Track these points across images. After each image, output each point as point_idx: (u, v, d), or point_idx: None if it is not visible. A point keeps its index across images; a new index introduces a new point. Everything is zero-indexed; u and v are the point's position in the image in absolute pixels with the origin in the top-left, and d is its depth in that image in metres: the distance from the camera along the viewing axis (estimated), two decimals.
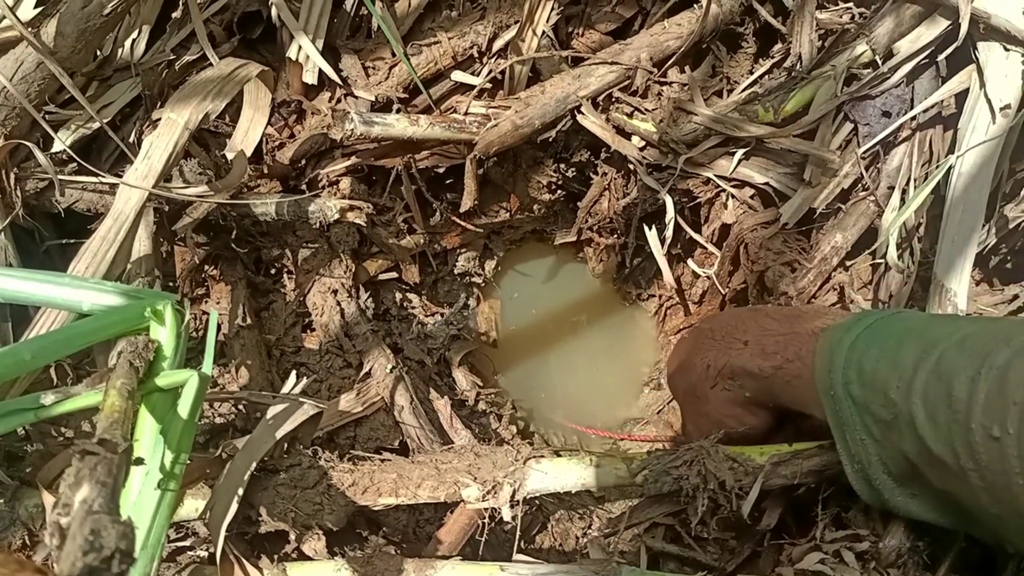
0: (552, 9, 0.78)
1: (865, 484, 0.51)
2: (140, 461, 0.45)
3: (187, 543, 0.61)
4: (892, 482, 0.49)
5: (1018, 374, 0.42)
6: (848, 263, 0.75)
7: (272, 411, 0.58)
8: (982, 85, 0.70)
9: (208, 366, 0.50)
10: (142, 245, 0.65)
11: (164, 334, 0.49)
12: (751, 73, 0.80)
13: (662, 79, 0.79)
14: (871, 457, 0.49)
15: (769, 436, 0.64)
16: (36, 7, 0.67)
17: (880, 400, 0.47)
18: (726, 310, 0.86)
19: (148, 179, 0.63)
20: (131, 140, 0.73)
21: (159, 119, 0.67)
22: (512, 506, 0.57)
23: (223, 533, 0.52)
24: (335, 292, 0.78)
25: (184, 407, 0.46)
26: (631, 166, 0.80)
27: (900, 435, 0.47)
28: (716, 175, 0.79)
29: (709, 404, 0.63)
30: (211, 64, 0.74)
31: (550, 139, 0.80)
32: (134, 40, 0.75)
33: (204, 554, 0.59)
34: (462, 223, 0.88)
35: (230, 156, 0.73)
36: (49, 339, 0.46)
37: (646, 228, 0.86)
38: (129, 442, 0.36)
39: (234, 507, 0.52)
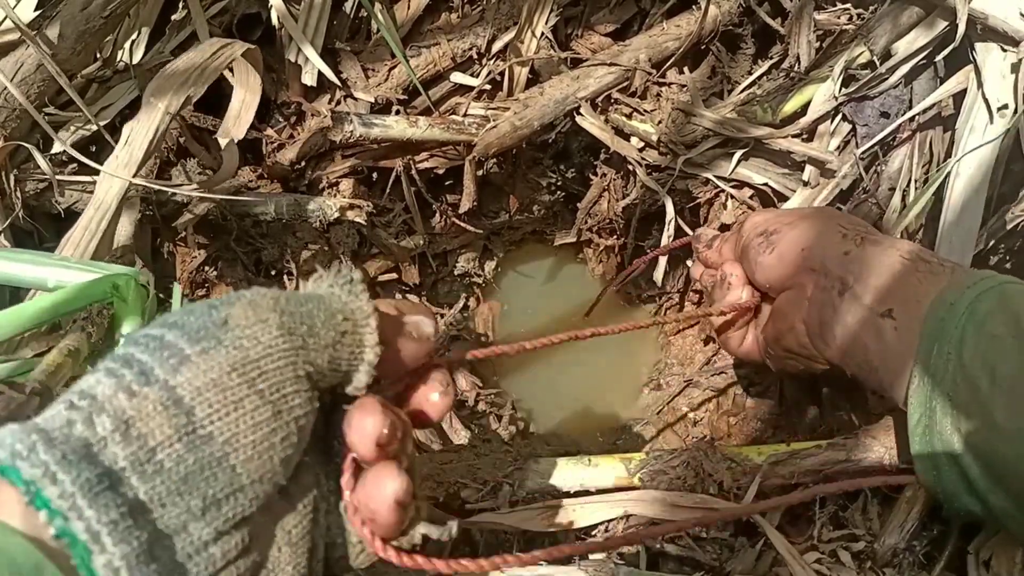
0: (551, 11, 0.78)
1: (924, 398, 0.50)
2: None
3: None
4: (949, 405, 0.49)
5: None
6: None
7: None
8: (980, 86, 0.70)
9: None
10: (123, 233, 0.65)
11: (126, 307, 0.48)
12: (750, 74, 0.80)
13: (661, 80, 0.79)
14: (946, 373, 0.49)
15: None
16: (36, 9, 0.67)
17: (1005, 319, 0.47)
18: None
19: (129, 167, 0.61)
20: None
21: None
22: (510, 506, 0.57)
23: None
24: None
25: None
26: (630, 167, 0.80)
27: (1003, 353, 0.47)
28: (715, 175, 0.79)
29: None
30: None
31: (549, 140, 0.80)
32: (134, 42, 0.76)
33: None
34: (462, 224, 0.88)
35: (222, 142, 0.70)
36: (8, 315, 0.45)
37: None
38: (41, 387, 0.35)
39: None
